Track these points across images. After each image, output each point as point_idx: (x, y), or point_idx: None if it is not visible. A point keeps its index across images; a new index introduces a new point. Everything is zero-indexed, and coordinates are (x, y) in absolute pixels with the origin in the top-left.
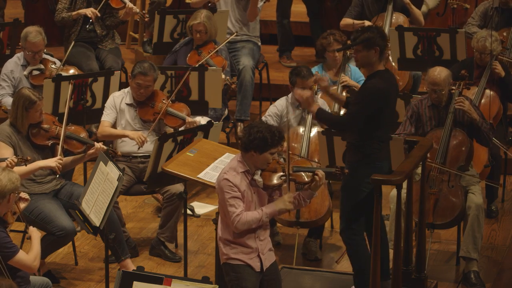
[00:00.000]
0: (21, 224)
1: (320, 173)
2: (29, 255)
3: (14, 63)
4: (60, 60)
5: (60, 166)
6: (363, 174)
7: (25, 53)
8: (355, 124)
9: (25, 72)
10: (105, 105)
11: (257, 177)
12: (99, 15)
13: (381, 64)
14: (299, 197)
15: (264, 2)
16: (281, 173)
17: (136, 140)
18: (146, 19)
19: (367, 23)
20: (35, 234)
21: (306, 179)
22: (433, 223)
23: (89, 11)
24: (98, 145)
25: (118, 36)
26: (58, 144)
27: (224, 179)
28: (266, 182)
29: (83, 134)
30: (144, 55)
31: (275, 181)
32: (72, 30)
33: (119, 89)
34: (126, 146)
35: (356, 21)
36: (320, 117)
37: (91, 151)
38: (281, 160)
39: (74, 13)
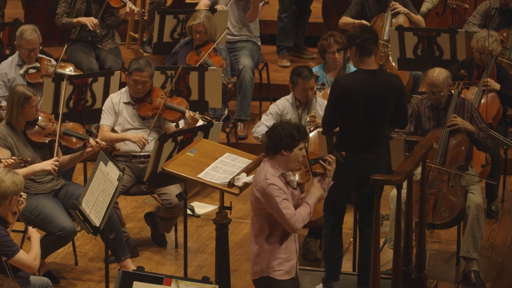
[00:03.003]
0: (21, 224)
1: (330, 157)
2: (29, 255)
3: (8, 63)
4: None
5: (56, 168)
6: (337, 172)
7: (21, 52)
8: (327, 120)
9: (21, 71)
10: (103, 108)
11: (292, 177)
12: (98, 25)
13: (367, 63)
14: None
15: (263, 4)
16: (304, 168)
17: (137, 144)
18: (145, 18)
19: (364, 22)
20: (35, 234)
21: (322, 170)
22: (433, 223)
23: (90, 22)
24: (93, 141)
25: (118, 36)
26: (55, 141)
27: (270, 184)
28: (298, 180)
29: (81, 131)
30: (144, 55)
31: (305, 178)
32: (72, 30)
33: (119, 89)
34: (125, 146)
35: (355, 21)
36: None
37: (88, 149)
38: None
39: (74, 20)
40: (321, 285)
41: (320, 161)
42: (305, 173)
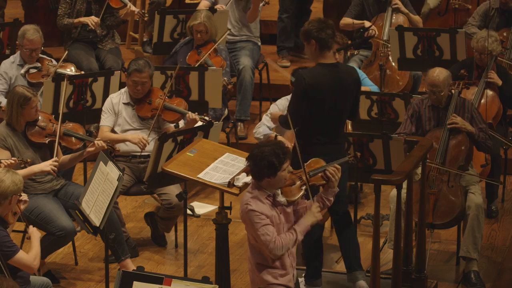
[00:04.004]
0: (21, 224)
1: (331, 169)
2: (29, 254)
3: (9, 63)
4: (59, 60)
5: (55, 168)
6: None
7: (22, 51)
8: (295, 115)
9: (22, 71)
10: (103, 108)
11: (280, 198)
12: (99, 24)
13: (327, 57)
14: (322, 199)
15: (264, 5)
16: (299, 183)
17: (137, 145)
18: (146, 18)
19: (367, 23)
20: (35, 234)
21: (324, 180)
22: (433, 223)
23: (91, 21)
24: (97, 142)
25: (118, 36)
26: (55, 141)
27: (249, 210)
28: (289, 197)
29: (80, 131)
30: (144, 55)
31: (297, 194)
32: (72, 31)
33: (119, 89)
34: (125, 146)
35: (355, 21)
36: (280, 122)
37: (90, 148)
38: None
39: (76, 20)
40: (303, 279)
41: (326, 169)
42: (299, 188)
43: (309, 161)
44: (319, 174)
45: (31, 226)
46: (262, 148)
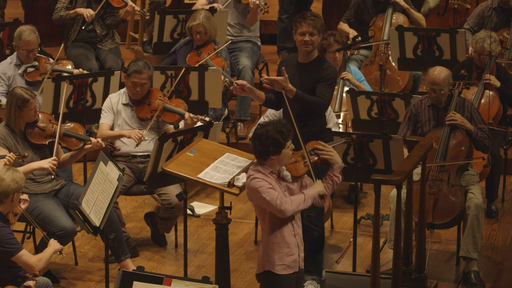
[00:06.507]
0: (22, 224)
1: (319, 149)
2: (36, 256)
3: (6, 64)
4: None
5: (54, 167)
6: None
7: (19, 52)
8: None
9: (20, 71)
10: (102, 107)
11: (285, 172)
12: (94, 17)
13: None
14: (330, 177)
15: (263, 14)
16: (302, 160)
17: (133, 138)
18: (147, 17)
19: (352, 33)
20: (54, 245)
21: (323, 157)
22: (433, 223)
23: (86, 13)
24: (95, 140)
25: (118, 36)
26: (55, 142)
27: (254, 178)
28: (294, 174)
29: (81, 131)
30: (144, 55)
31: (301, 171)
32: (72, 30)
33: (119, 89)
34: (125, 146)
35: (352, 30)
36: (300, 97)
37: (87, 145)
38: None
39: (71, 11)
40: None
41: (316, 151)
42: (302, 165)
43: (308, 143)
44: (314, 154)
45: (52, 239)
46: (266, 127)
